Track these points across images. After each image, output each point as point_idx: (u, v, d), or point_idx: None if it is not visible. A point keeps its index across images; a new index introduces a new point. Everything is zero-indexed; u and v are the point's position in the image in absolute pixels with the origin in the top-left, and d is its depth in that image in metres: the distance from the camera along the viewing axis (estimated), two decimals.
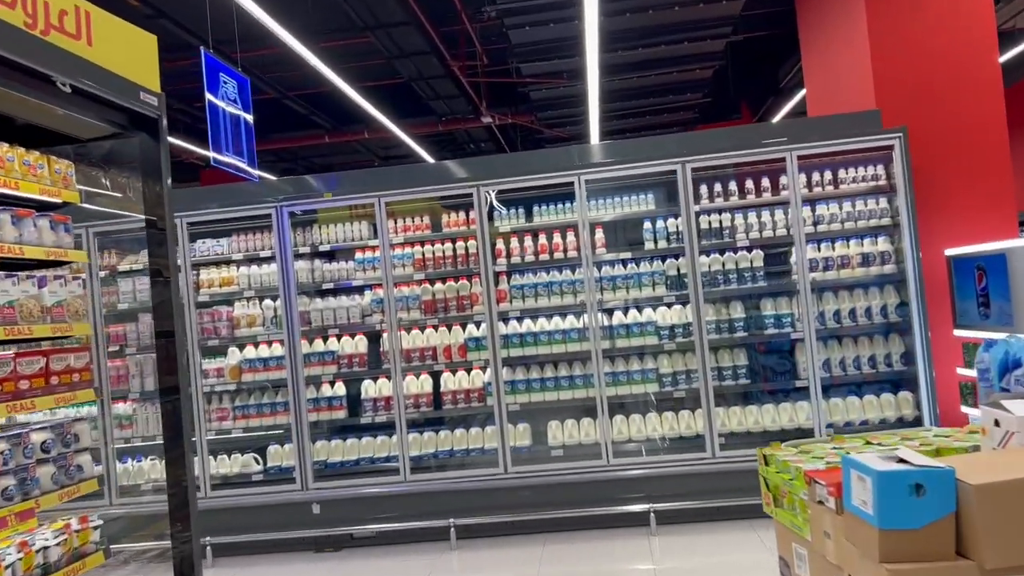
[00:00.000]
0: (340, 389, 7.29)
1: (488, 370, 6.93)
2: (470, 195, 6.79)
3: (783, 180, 6.85)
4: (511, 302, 7.11)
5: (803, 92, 12.98)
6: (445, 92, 15.30)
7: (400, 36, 12.44)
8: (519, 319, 7.14)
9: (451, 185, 6.85)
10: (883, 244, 6.71)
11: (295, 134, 17.41)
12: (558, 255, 7.07)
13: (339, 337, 7.37)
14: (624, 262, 7.03)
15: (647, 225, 7.05)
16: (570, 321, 6.98)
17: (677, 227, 6.94)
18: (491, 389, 6.85)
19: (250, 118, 6.75)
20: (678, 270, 6.94)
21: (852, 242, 6.82)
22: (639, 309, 7.04)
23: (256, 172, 6.90)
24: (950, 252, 6.68)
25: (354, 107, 14.59)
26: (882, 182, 6.71)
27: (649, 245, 7.00)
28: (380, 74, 15.07)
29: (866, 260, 6.69)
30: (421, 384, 7.17)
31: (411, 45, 12.93)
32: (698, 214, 6.62)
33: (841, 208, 6.81)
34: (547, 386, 6.94)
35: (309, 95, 16.15)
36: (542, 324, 7.04)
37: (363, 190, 6.89)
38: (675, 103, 15.32)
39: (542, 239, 7.16)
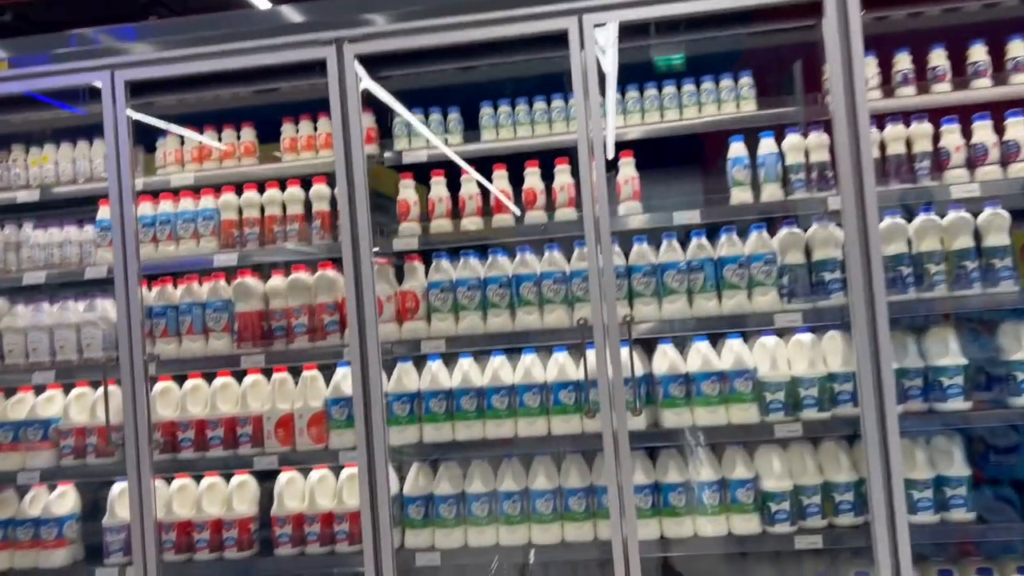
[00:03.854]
0: (63, 502, 3.63)
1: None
2: (323, 65, 3.12)
3: None
4: (429, 319, 3.42)
5: None
6: None
7: None
8: (444, 356, 3.56)
9: (274, 41, 3.05)
10: None
11: None
12: (533, 216, 3.38)
13: (67, 389, 3.80)
14: (684, 236, 3.42)
15: (737, 150, 3.40)
16: (557, 366, 3.27)
17: (806, 151, 3.34)
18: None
19: None
20: (807, 253, 3.38)
21: None
22: (717, 341, 3.48)
23: None
24: None
25: None
26: None
27: (742, 195, 3.32)
28: None
29: None
30: (228, 497, 3.59)
31: None
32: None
33: None
34: (507, 514, 3.32)
35: None
36: (496, 371, 3.31)
37: (80, 56, 3.26)
38: None
39: (499, 180, 3.57)
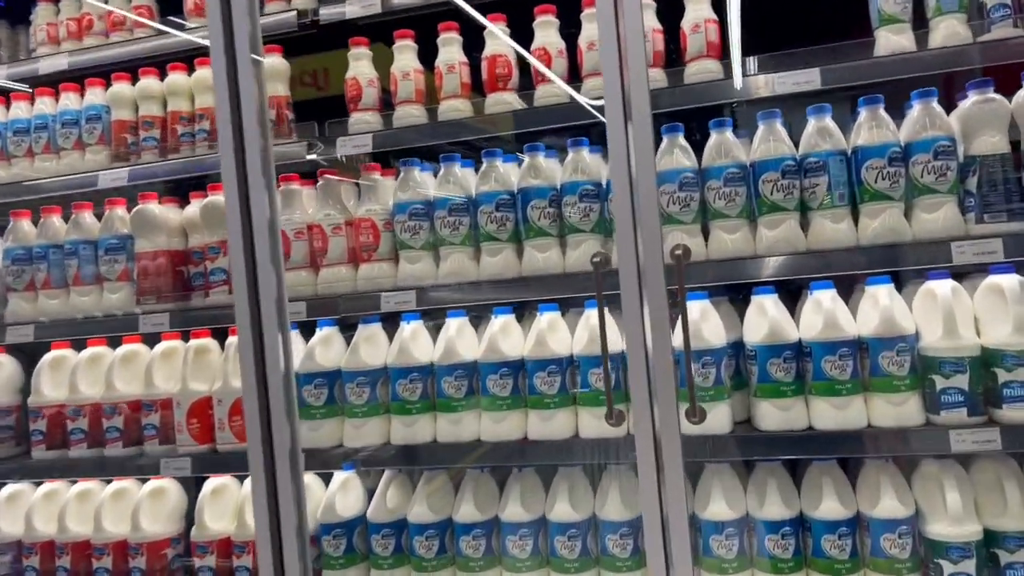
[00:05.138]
0: None
1: (345, 483, 2.40)
2: None
3: None
4: (396, 260, 2.42)
5: None
6: None
7: None
8: (420, 316, 2.47)
9: None
10: None
11: None
12: (548, 92, 2.18)
13: None
14: (794, 119, 2.19)
15: None
16: (588, 331, 2.06)
17: None
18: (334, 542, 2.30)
19: None
20: (1014, 136, 2.06)
21: None
22: (852, 289, 2.27)
23: None
24: None
25: None
26: None
27: (894, 40, 1.92)
28: None
29: None
30: (136, 511, 2.62)
31: None
32: None
33: None
34: (511, 555, 2.09)
35: None
36: (495, 338, 2.15)
37: None
38: None
39: (494, 40, 2.36)
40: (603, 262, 1.71)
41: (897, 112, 2.01)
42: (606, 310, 2.10)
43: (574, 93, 2.11)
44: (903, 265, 1.94)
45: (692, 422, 1.65)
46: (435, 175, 2.30)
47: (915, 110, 1.94)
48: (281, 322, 1.89)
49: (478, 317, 2.42)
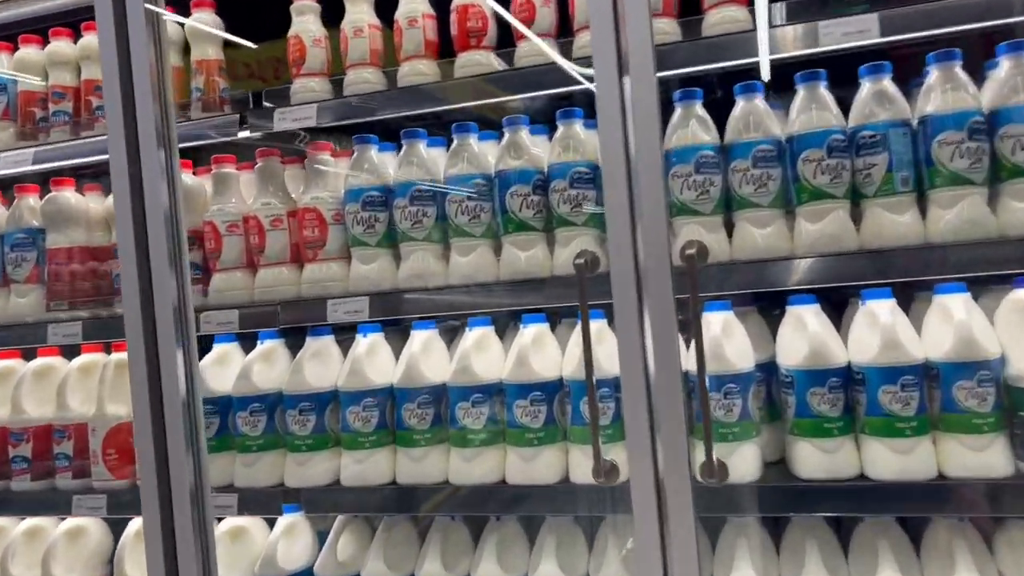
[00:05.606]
0: None
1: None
2: None
3: None
4: (348, 259, 1.92)
5: None
6: None
7: None
8: (381, 328, 2.08)
9: None
10: None
11: None
12: (528, 51, 1.74)
13: None
14: (842, 82, 1.77)
15: None
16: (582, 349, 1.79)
17: None
18: None
19: None
20: None
21: None
22: (911, 299, 1.81)
23: None
24: None
25: None
26: None
27: None
28: None
29: None
30: (47, 556, 2.23)
31: None
32: None
33: None
34: None
35: None
36: (466, 356, 1.74)
37: None
38: None
39: None
40: (589, 264, 1.30)
41: (976, 76, 1.59)
42: (603, 321, 1.72)
43: (557, 57, 1.70)
44: (985, 268, 1.51)
45: (709, 482, 1.24)
46: (398, 155, 1.90)
47: (1003, 68, 1.51)
48: (183, 336, 1.50)
49: (452, 329, 2.03)
